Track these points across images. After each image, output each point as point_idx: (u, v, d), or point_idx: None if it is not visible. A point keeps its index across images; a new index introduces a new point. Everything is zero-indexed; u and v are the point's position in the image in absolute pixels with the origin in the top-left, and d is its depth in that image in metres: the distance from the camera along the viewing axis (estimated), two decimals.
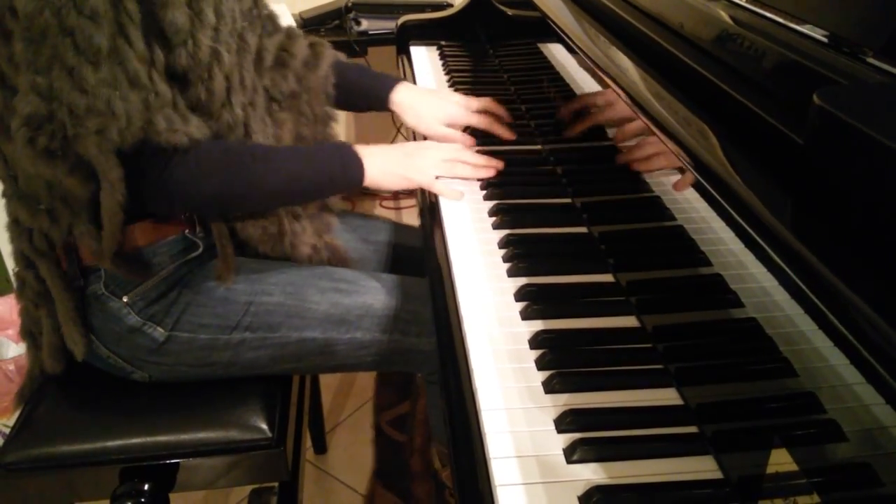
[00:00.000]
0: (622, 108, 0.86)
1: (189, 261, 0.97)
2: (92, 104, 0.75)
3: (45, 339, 0.98)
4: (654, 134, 0.70)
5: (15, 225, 0.92)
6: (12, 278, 1.86)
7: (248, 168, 0.90)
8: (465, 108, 1.19)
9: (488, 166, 1.07)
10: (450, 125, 1.18)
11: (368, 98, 1.21)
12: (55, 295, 0.93)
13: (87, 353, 0.97)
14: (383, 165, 1.00)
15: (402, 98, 1.20)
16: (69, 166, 0.78)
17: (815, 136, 0.48)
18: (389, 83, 1.20)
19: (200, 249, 0.98)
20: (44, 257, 0.92)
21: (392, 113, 1.22)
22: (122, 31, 0.77)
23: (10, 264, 1.85)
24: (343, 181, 0.98)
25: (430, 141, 1.14)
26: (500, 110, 1.21)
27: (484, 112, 1.19)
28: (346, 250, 1.11)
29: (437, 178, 1.04)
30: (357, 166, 0.98)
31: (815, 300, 0.44)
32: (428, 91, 1.27)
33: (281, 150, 0.98)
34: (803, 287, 0.45)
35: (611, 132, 0.95)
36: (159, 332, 0.94)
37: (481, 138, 1.19)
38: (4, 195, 0.93)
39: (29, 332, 1.01)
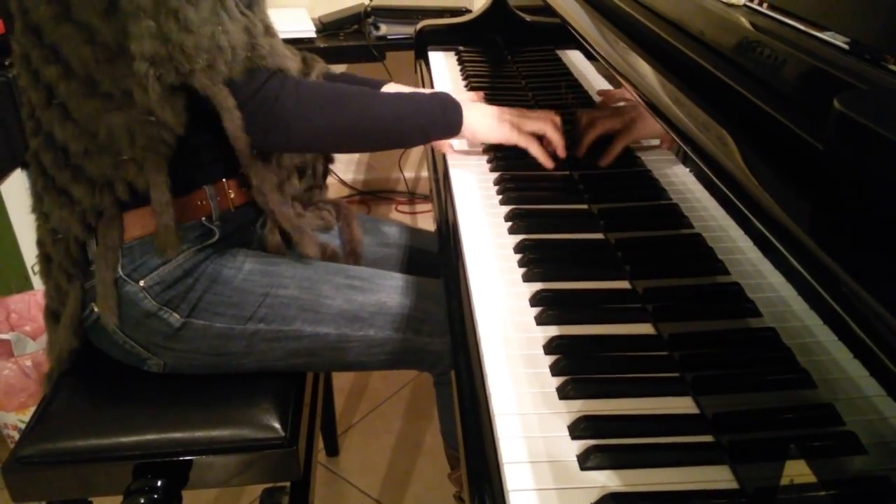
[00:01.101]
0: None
1: (205, 248, 0.99)
2: (198, 42, 0.82)
3: (68, 312, 0.99)
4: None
5: (89, 184, 0.92)
6: (30, 273, 1.89)
7: (356, 102, 0.97)
8: None
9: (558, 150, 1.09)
10: None
11: None
12: (111, 252, 0.93)
13: (101, 335, 0.98)
14: (480, 113, 1.06)
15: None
16: (183, 104, 0.87)
17: (835, 141, 0.47)
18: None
19: (216, 237, 1.00)
20: (117, 213, 0.94)
21: None
22: None
23: (29, 260, 1.89)
24: (443, 124, 1.03)
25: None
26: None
27: None
28: (346, 206, 1.19)
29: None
30: (456, 111, 1.03)
31: (836, 307, 0.44)
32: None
33: (383, 92, 1.06)
34: (823, 294, 0.45)
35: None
36: (175, 318, 0.96)
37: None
38: (59, 161, 0.93)
39: (53, 313, 1.02)
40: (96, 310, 0.97)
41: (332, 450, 1.68)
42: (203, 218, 0.99)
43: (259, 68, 0.89)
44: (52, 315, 1.02)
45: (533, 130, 1.07)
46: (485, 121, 1.06)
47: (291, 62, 0.94)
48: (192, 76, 0.84)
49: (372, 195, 2.79)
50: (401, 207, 2.75)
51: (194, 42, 0.82)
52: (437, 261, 1.09)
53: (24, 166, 1.90)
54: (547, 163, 1.08)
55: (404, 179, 2.79)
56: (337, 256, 1.12)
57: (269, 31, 0.95)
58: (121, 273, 0.95)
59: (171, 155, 0.91)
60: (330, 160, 1.21)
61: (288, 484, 1.08)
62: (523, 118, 1.08)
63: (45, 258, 1.00)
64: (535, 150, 1.07)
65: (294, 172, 1.07)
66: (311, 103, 0.93)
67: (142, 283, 0.95)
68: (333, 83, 1.00)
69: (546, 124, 1.08)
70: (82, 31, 0.85)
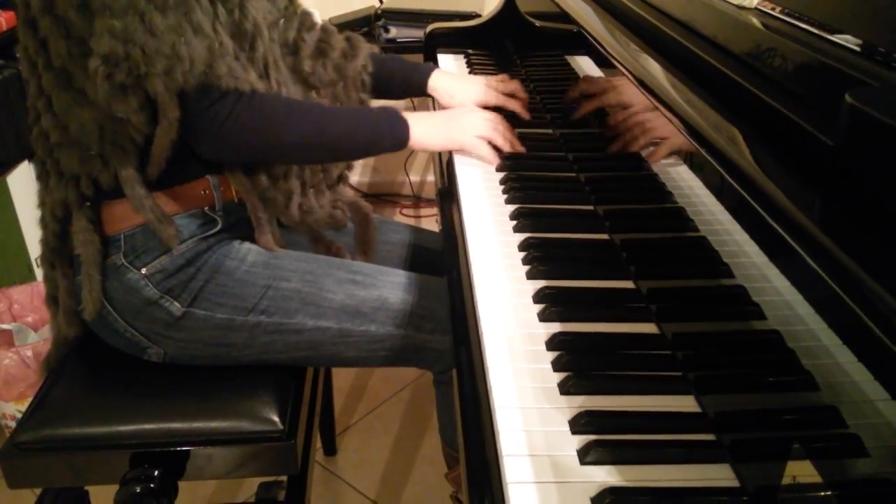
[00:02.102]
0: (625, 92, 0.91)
1: (207, 237, 0.99)
2: (160, 47, 0.83)
3: (61, 301, 1.01)
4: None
5: (58, 178, 0.95)
6: (33, 264, 1.89)
7: (308, 119, 0.98)
8: (493, 90, 1.27)
9: (517, 144, 1.15)
10: (480, 105, 1.25)
11: (407, 84, 1.29)
12: (84, 246, 0.95)
13: (102, 323, 0.98)
14: (427, 128, 1.09)
15: (438, 82, 1.28)
16: (139, 103, 0.87)
17: (846, 135, 0.47)
18: (426, 69, 1.29)
19: (219, 226, 1.00)
20: (86, 206, 0.95)
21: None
22: None
23: (33, 252, 1.89)
24: (391, 139, 1.06)
25: (470, 106, 1.21)
26: (521, 93, 1.30)
27: (509, 95, 1.27)
28: (365, 206, 1.20)
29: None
30: (403, 127, 1.06)
31: (850, 303, 0.43)
32: (459, 75, 1.36)
33: (335, 108, 1.08)
34: (836, 289, 0.44)
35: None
36: (176, 307, 0.96)
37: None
38: (46, 149, 0.95)
39: (53, 298, 1.03)
40: None
41: (330, 449, 1.67)
42: (206, 207, 0.99)
43: (213, 86, 0.89)
44: (52, 300, 1.04)
45: (479, 134, 1.12)
46: (431, 133, 1.09)
47: (248, 85, 0.92)
48: (147, 79, 0.84)
49: (377, 198, 2.79)
50: (405, 211, 2.75)
51: (156, 46, 0.83)
52: (439, 259, 1.09)
53: (31, 157, 1.91)
54: (493, 161, 1.12)
55: (409, 183, 2.79)
56: (341, 252, 1.12)
57: (253, 44, 0.95)
58: (123, 260, 0.95)
59: (140, 152, 0.92)
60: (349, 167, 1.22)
61: (285, 478, 1.07)
62: (467, 125, 1.12)
63: (41, 243, 1.02)
64: (482, 151, 1.11)
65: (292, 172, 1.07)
66: (264, 120, 0.94)
67: (143, 270, 0.95)
68: (288, 98, 1.02)
69: (489, 131, 1.12)
70: (61, 26, 0.87)
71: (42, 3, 0.86)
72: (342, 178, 1.18)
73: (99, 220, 0.96)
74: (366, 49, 1.20)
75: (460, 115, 1.14)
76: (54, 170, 0.95)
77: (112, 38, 0.82)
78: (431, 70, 1.28)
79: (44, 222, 1.00)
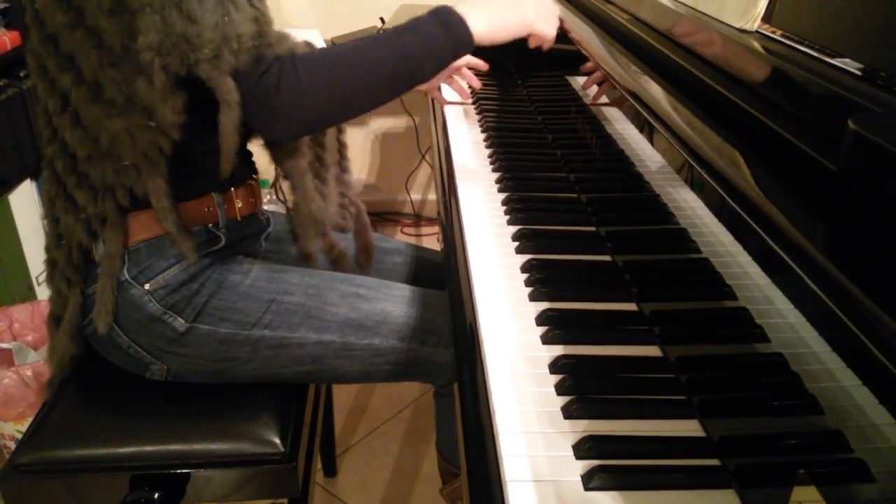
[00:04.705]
0: None
1: (211, 253, 0.99)
2: (202, 32, 0.82)
3: (68, 316, 0.99)
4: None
5: (91, 192, 0.93)
6: (34, 283, 1.89)
7: (357, 58, 0.92)
8: None
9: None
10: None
11: None
12: (109, 259, 0.94)
13: (106, 340, 0.98)
14: (488, 20, 0.99)
15: None
16: (182, 103, 0.86)
17: (849, 160, 0.47)
18: None
19: (222, 243, 1.00)
20: (120, 219, 0.94)
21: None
22: None
23: (34, 270, 1.89)
24: (452, 43, 0.96)
25: None
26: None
27: None
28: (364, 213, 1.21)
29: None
30: (461, 28, 0.96)
31: (853, 327, 0.43)
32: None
33: (379, 35, 0.97)
34: (839, 313, 0.44)
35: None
36: (179, 323, 0.95)
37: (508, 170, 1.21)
38: (68, 166, 0.94)
39: (56, 319, 1.02)
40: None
41: (330, 470, 1.66)
42: (210, 224, 0.99)
43: (264, 56, 0.86)
44: (55, 320, 1.02)
45: (543, 17, 1.07)
46: (494, 24, 1.00)
47: (299, 48, 0.91)
48: (197, 66, 0.83)
49: (378, 216, 2.79)
50: (406, 229, 2.76)
51: (198, 32, 0.81)
52: (441, 274, 1.09)
53: (34, 177, 1.92)
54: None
55: (410, 202, 2.79)
56: (343, 258, 1.12)
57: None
58: (126, 276, 0.95)
59: (168, 163, 0.91)
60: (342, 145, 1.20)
61: (286, 501, 1.06)
62: (529, 6, 1.05)
63: (50, 263, 1.00)
64: (551, 32, 1.08)
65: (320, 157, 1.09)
66: (314, 76, 0.89)
67: (147, 286, 0.94)
68: (326, 48, 0.96)
69: (553, 29, 1.09)
70: (92, 36, 0.86)
71: (70, 17, 0.85)
72: (342, 163, 1.18)
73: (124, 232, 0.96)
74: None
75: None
76: (85, 185, 0.93)
77: (157, 32, 0.81)
78: None
79: (58, 241, 0.98)
